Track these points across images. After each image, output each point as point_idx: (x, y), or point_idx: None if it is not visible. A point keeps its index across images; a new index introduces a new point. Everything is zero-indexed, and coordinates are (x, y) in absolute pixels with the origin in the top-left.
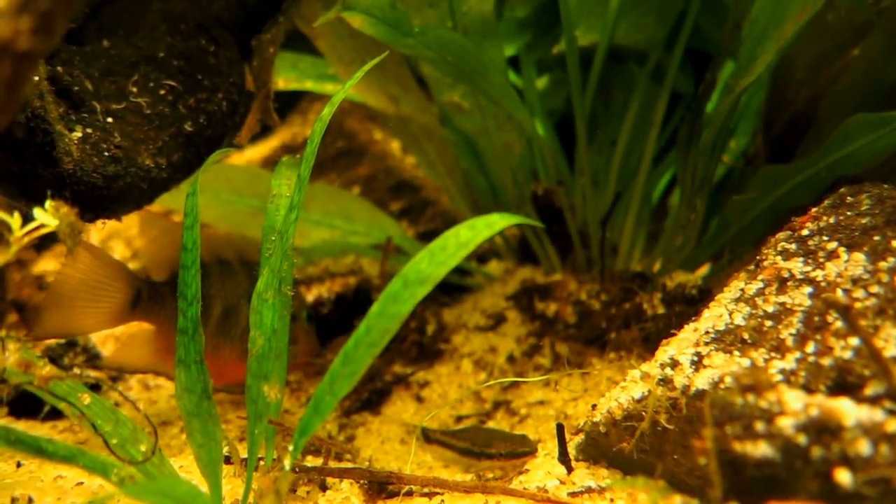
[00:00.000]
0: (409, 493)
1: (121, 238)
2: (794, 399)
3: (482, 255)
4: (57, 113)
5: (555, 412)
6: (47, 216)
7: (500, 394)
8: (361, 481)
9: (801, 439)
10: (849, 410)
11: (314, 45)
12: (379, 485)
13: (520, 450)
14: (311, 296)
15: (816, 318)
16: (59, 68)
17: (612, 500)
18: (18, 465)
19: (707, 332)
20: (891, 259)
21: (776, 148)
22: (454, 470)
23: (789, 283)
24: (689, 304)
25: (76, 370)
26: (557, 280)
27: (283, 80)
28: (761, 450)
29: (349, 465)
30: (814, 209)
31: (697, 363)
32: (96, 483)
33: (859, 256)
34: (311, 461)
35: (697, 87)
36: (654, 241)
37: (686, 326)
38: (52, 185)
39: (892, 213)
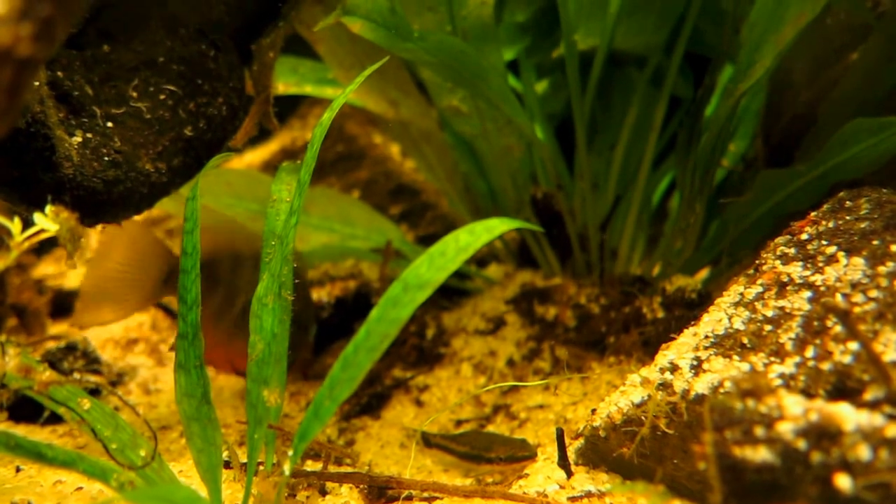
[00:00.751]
0: (409, 498)
1: None
2: (794, 404)
3: (482, 258)
4: (57, 118)
5: (554, 416)
6: (47, 221)
7: (500, 398)
8: (361, 486)
9: (801, 444)
10: (848, 415)
11: (314, 49)
12: (379, 489)
13: (519, 454)
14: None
15: (816, 323)
16: (59, 73)
17: None
18: (18, 469)
19: (706, 337)
20: (890, 263)
21: (775, 151)
22: (454, 474)
23: (788, 288)
24: (689, 308)
25: (76, 375)
26: (557, 284)
27: (283, 85)
28: (761, 455)
29: (349, 469)
30: (813, 213)
31: (697, 368)
32: (96, 488)
33: (858, 261)
34: (311, 466)
35: (697, 91)
36: (654, 244)
37: (686, 331)
38: (52, 190)
39: (891, 218)
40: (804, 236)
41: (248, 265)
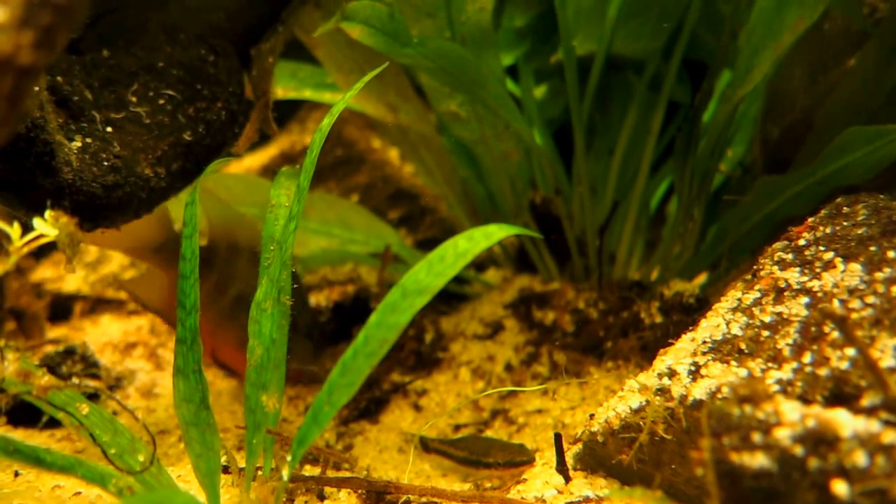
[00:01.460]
0: (408, 503)
1: None
2: (791, 410)
3: (480, 263)
4: (56, 123)
5: (553, 421)
6: (47, 226)
7: (498, 402)
8: (359, 491)
9: (798, 450)
10: (845, 421)
11: (313, 54)
12: (377, 494)
13: (518, 459)
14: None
15: (813, 329)
16: (58, 78)
17: None
18: (16, 474)
19: (704, 342)
20: (887, 269)
21: (773, 157)
22: (452, 479)
23: (786, 294)
24: (687, 313)
25: (74, 379)
26: (555, 288)
27: (282, 89)
28: (758, 461)
29: (347, 474)
30: (810, 219)
31: (695, 373)
32: (94, 493)
33: (856, 267)
34: (310, 470)
35: (695, 96)
36: (652, 249)
37: (683, 336)
38: (52, 195)
39: (888, 224)
40: (802, 242)
41: (244, 256)
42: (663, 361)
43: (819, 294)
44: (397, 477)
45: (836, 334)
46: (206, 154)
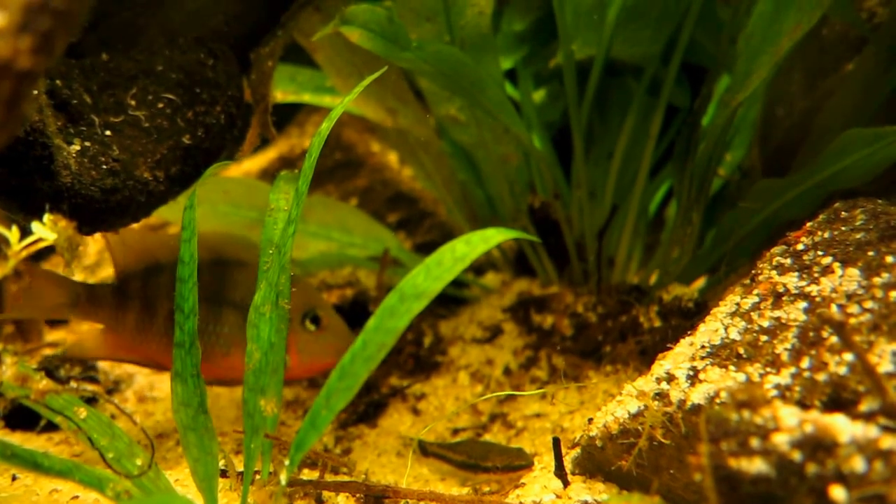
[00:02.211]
0: None
1: None
2: (789, 415)
3: (479, 267)
4: (55, 126)
5: (551, 425)
6: (45, 230)
7: (497, 406)
8: (358, 495)
9: (796, 455)
10: (843, 427)
11: (312, 58)
12: (375, 498)
13: (516, 463)
14: None
15: (811, 334)
16: (57, 81)
17: None
18: (14, 478)
19: (703, 347)
20: (885, 275)
21: (771, 161)
22: (451, 483)
23: (784, 298)
24: (686, 318)
25: (72, 383)
26: (554, 292)
27: (282, 93)
28: (756, 466)
29: (345, 478)
30: (809, 224)
31: (693, 378)
32: (92, 497)
33: (854, 272)
34: (308, 474)
35: (693, 100)
36: (651, 253)
37: (682, 340)
38: (50, 199)
39: (886, 229)
40: (800, 247)
41: (166, 272)
42: (662, 366)
43: (817, 299)
44: (396, 481)
45: (834, 339)
46: (204, 158)
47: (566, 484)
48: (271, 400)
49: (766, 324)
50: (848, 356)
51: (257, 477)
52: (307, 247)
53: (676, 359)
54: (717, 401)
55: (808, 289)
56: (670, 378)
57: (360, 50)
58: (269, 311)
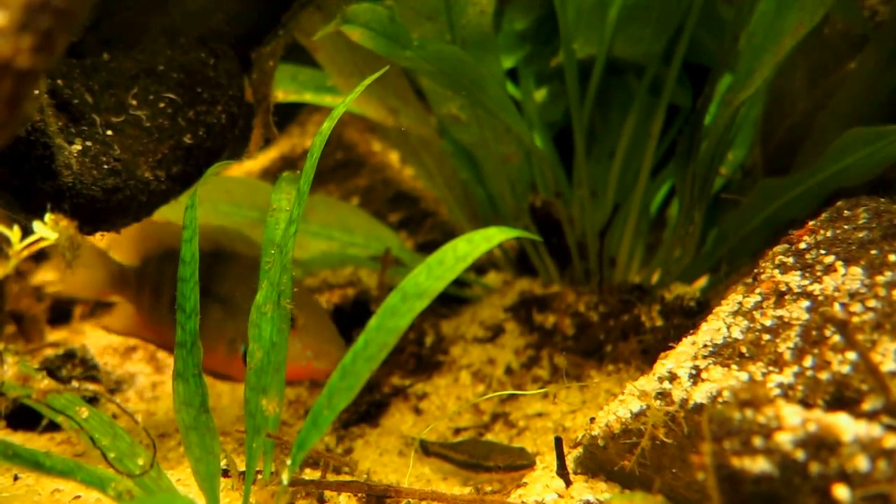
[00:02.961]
0: None
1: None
2: (792, 414)
3: (481, 266)
4: (56, 126)
5: (553, 424)
6: (46, 229)
7: (499, 406)
8: (359, 494)
9: (799, 455)
10: (846, 426)
11: (314, 57)
12: (377, 498)
13: (518, 462)
14: None
15: (814, 333)
16: (58, 81)
17: None
18: (16, 478)
19: (705, 346)
20: (888, 273)
21: (773, 160)
22: (452, 483)
23: (787, 297)
24: (688, 317)
25: (74, 382)
26: (556, 292)
27: (283, 92)
28: (759, 465)
29: (347, 478)
30: (811, 222)
31: (695, 377)
32: (94, 497)
33: (856, 270)
34: (309, 474)
35: (695, 99)
36: (653, 252)
37: (684, 339)
38: (52, 198)
39: (889, 228)
40: (802, 245)
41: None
42: (664, 365)
43: (820, 298)
44: (397, 480)
45: (837, 338)
46: (206, 157)
47: (568, 483)
48: (273, 399)
49: (768, 322)
50: (851, 355)
51: (259, 476)
52: (309, 246)
53: (679, 358)
54: (720, 400)
55: (810, 287)
56: (672, 377)
57: (362, 49)
58: (271, 311)
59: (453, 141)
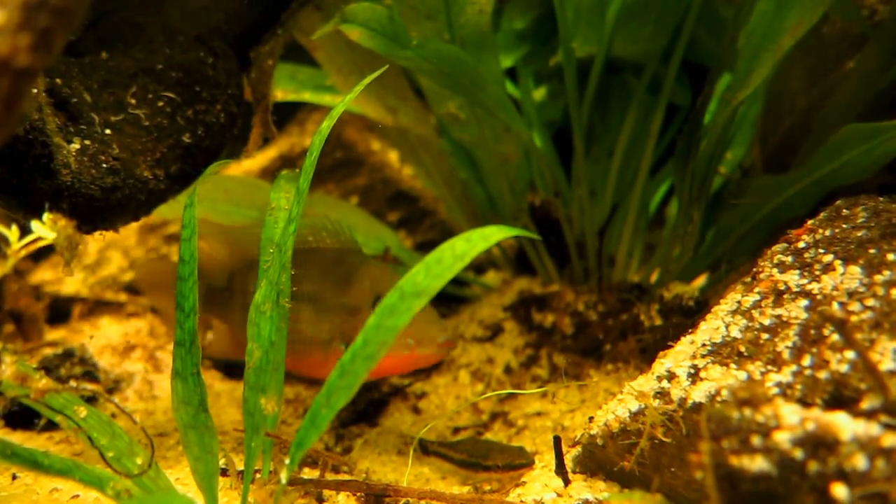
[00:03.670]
0: None
1: (118, 248)
2: (791, 413)
3: (479, 265)
4: (55, 125)
5: (552, 424)
6: (45, 229)
7: (498, 405)
8: (358, 494)
9: (798, 454)
10: (845, 425)
11: (313, 56)
12: (376, 497)
13: (517, 462)
14: None
15: (813, 332)
16: (57, 80)
17: None
18: (14, 477)
19: (704, 345)
20: (886, 272)
21: (772, 159)
22: (451, 482)
23: (786, 296)
24: (687, 316)
25: (72, 382)
26: (555, 291)
27: (282, 92)
28: (758, 464)
29: (346, 477)
30: (810, 221)
31: (694, 376)
32: (92, 496)
33: (855, 269)
34: (308, 473)
35: (694, 98)
36: (652, 251)
37: (683, 338)
38: (50, 198)
39: (888, 227)
40: (801, 244)
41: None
42: (662, 364)
43: (818, 297)
44: (396, 480)
45: (835, 337)
46: (204, 156)
47: (567, 482)
48: (272, 398)
49: (767, 322)
50: (849, 354)
51: (258, 475)
52: None
53: (677, 357)
54: (719, 399)
55: (809, 286)
56: (671, 376)
57: (361, 48)
58: (270, 310)
59: (452, 140)
